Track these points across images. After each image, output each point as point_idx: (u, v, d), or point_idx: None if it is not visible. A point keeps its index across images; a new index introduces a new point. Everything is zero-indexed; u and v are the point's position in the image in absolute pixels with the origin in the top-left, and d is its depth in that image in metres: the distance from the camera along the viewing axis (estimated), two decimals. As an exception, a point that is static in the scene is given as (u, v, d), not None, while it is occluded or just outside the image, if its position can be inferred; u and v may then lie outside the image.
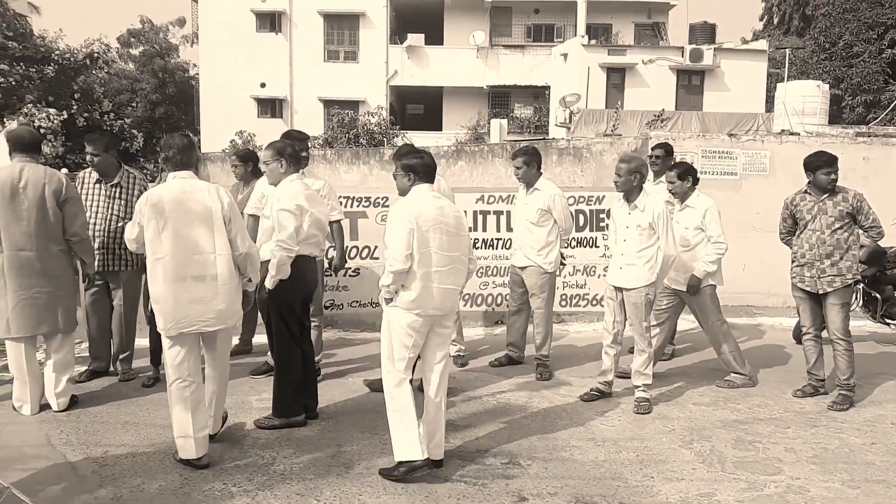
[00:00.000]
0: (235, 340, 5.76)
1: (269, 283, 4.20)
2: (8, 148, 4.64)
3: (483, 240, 7.07)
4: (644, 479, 3.79)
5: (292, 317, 4.42)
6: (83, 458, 3.92)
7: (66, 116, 12.13)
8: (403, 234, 3.65)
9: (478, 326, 7.18)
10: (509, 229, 6.94)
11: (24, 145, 4.57)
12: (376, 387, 4.50)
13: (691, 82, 24.29)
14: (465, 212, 6.40)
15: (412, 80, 28.77)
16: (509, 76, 28.58)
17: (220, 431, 4.19)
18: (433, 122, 29.76)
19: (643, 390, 4.86)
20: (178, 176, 3.92)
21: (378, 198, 6.88)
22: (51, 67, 13.10)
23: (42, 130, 12.12)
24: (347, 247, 6.81)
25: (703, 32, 26.49)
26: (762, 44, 24.50)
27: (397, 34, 29.12)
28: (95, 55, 13.41)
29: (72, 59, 13.35)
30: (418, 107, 31.72)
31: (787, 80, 20.44)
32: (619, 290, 4.90)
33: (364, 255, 6.90)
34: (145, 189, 5.13)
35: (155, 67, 32.05)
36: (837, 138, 9.32)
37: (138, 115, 28.38)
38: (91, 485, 3.58)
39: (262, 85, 28.63)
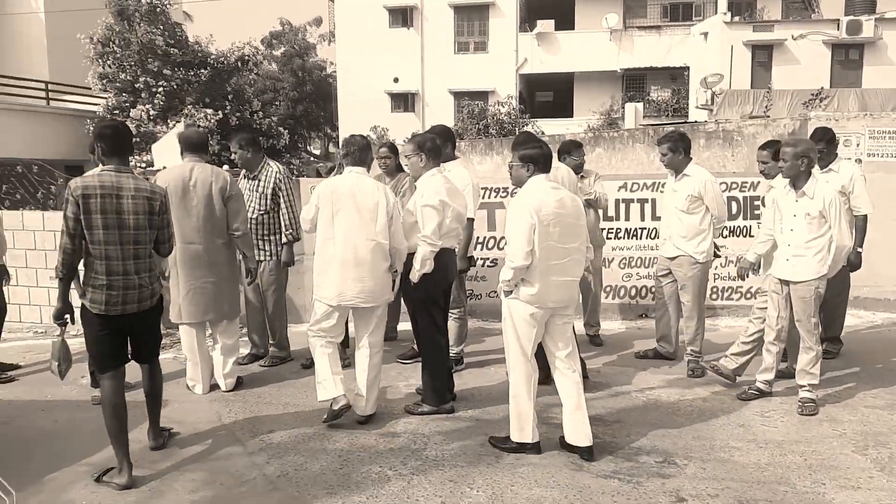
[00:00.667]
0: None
1: (414, 277, 4.29)
2: (179, 148, 5.04)
3: (626, 229, 6.86)
4: (814, 486, 3.52)
5: (436, 308, 4.51)
6: (251, 435, 4.18)
7: (220, 116, 12.98)
8: (524, 229, 3.63)
9: (618, 319, 6.99)
10: (654, 218, 6.69)
11: (193, 145, 4.93)
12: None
13: (848, 57, 22.30)
14: (608, 200, 6.20)
15: (542, 67, 28.40)
16: (644, 58, 27.53)
17: (374, 413, 4.41)
18: (563, 108, 29.28)
19: (808, 390, 4.52)
20: (355, 171, 4.36)
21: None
22: (206, 71, 14.06)
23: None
24: (484, 237, 6.86)
25: (863, 2, 24.20)
26: (934, 10, 21.99)
27: (527, 22, 28.83)
28: (246, 58, 14.28)
29: (225, 62, 14.27)
30: (548, 94, 31.32)
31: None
32: (784, 283, 4.57)
33: (502, 245, 6.89)
34: (280, 181, 5.44)
35: (294, 67, 33.66)
36: None
37: (281, 114, 29.99)
38: (259, 461, 3.82)
39: (395, 80, 29.26)
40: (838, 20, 22.04)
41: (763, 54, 22.81)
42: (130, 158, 10.39)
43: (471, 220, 5.00)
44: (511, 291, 3.76)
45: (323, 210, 4.24)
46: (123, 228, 3.56)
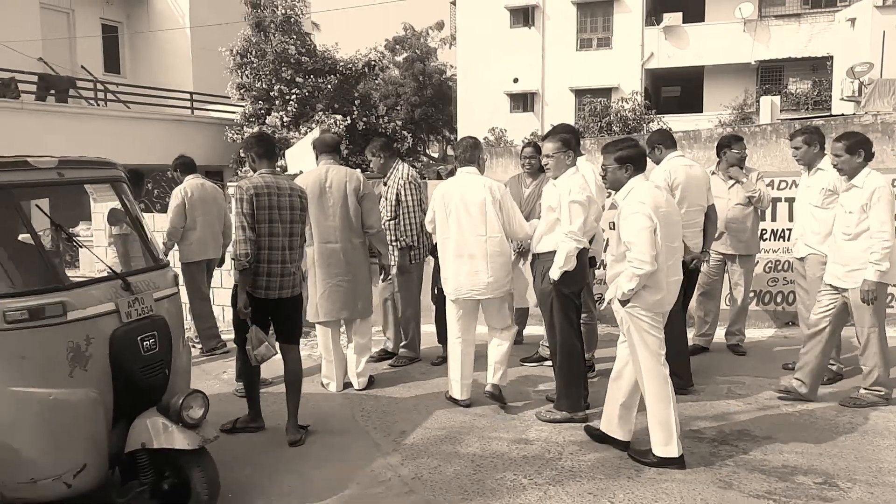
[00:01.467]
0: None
1: (554, 274, 4.15)
2: (315, 153, 5.19)
3: (772, 230, 6.40)
4: None
5: (573, 309, 4.37)
6: (384, 435, 4.22)
7: (348, 122, 13.37)
8: (648, 233, 3.55)
9: (766, 327, 6.53)
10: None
11: (328, 146, 5.09)
12: None
13: None
14: (770, 200, 5.83)
15: (669, 61, 27.34)
16: (782, 49, 25.85)
17: (502, 389, 4.62)
18: (692, 103, 28.03)
19: None
20: (464, 171, 4.61)
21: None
22: (335, 77, 14.56)
23: (330, 135, 13.55)
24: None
25: None
26: None
27: (653, 15, 27.85)
28: (372, 63, 14.67)
29: (353, 68, 14.72)
30: (674, 89, 30.13)
31: None
32: None
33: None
34: (401, 188, 5.41)
35: (416, 71, 34.26)
36: None
37: (402, 118, 30.65)
38: (394, 462, 3.84)
39: (515, 80, 29.15)
40: None
41: (921, 38, 20.72)
42: None
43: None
44: (628, 301, 3.64)
45: (438, 212, 4.60)
46: (283, 223, 4.12)
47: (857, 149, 4.38)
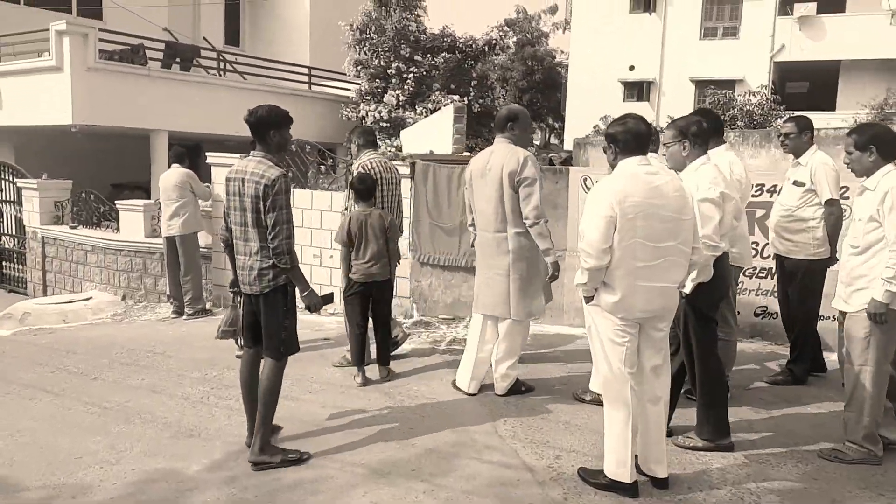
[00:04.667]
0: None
1: (686, 288, 3.52)
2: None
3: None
4: None
5: (713, 324, 3.80)
6: (536, 458, 3.70)
7: (465, 103, 12.91)
8: (601, 222, 3.10)
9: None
10: None
11: (503, 123, 4.57)
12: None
13: None
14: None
15: (802, 54, 25.44)
16: (933, 44, 23.51)
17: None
18: (823, 100, 26.01)
19: None
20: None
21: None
22: (455, 56, 14.09)
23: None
24: (757, 243, 5.82)
25: None
26: None
27: (787, 4, 25.91)
28: (493, 42, 14.11)
29: (472, 46, 14.22)
30: (802, 84, 28.08)
31: None
32: None
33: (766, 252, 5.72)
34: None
35: (525, 55, 33.42)
36: None
37: (510, 102, 29.96)
38: (555, 496, 3.31)
39: (631, 68, 27.97)
40: None
41: None
42: (381, 144, 10.46)
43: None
44: (592, 297, 3.24)
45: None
46: (235, 210, 3.65)
47: (869, 144, 3.59)
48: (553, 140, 35.95)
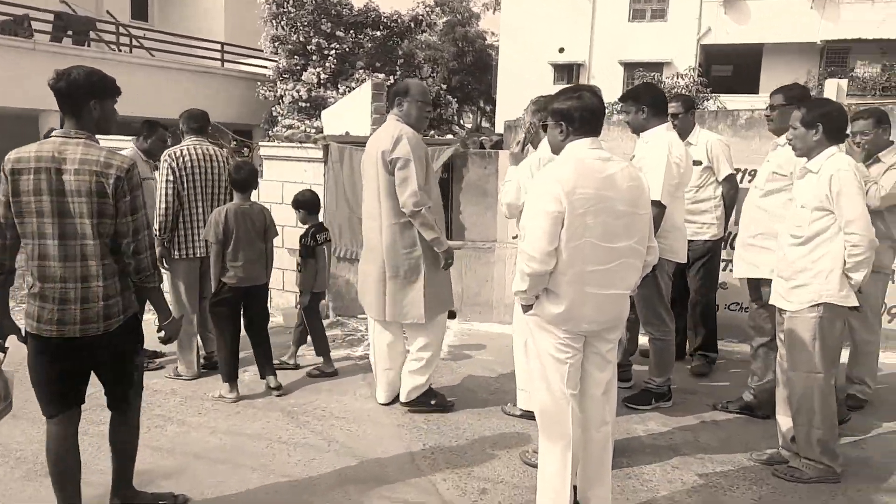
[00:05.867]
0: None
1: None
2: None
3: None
4: None
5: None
6: (458, 494, 3.11)
7: (391, 82, 12.23)
8: (546, 219, 2.53)
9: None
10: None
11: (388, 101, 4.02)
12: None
13: None
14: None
15: (727, 37, 25.75)
16: (851, 28, 24.12)
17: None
18: (746, 83, 26.44)
19: None
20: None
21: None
22: (379, 33, 13.37)
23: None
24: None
25: None
26: None
27: (713, -12, 26.15)
28: (420, 17, 13.43)
29: (399, 21, 13.52)
30: (727, 68, 28.51)
31: None
32: None
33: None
34: None
35: (456, 36, 32.81)
36: None
37: (438, 84, 29.34)
38: (479, 543, 2.73)
39: (561, 50, 27.83)
40: None
41: None
42: (300, 124, 9.50)
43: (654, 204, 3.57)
44: (531, 306, 2.68)
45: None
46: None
47: (816, 122, 3.14)
48: (485, 123, 35.59)
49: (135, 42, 15.11)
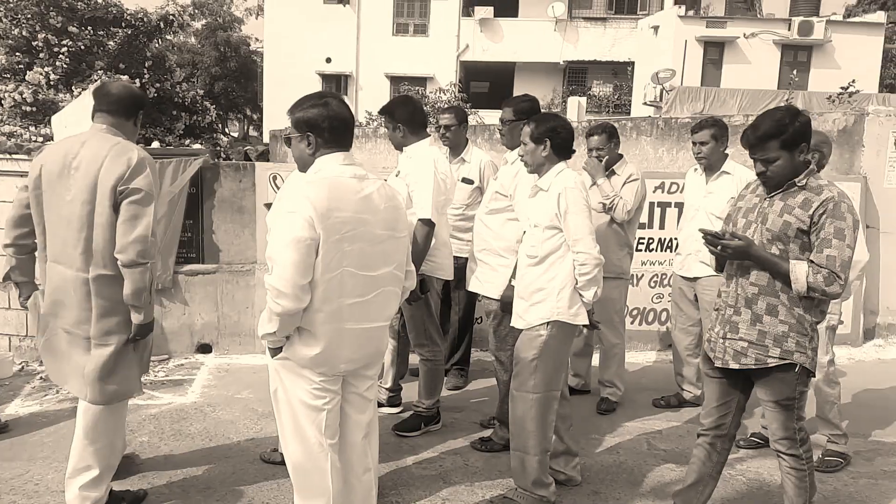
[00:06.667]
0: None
1: None
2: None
3: (659, 240, 5.65)
4: None
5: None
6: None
7: (138, 86, 11.04)
8: (297, 249, 2.19)
9: (648, 350, 5.78)
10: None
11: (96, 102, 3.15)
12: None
13: (797, 59, 22.08)
14: (630, 211, 4.28)
15: (484, 55, 27.37)
16: (588, 51, 26.87)
17: None
18: (501, 99, 27.99)
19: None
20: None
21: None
22: (122, 31, 12.06)
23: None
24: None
25: (807, 4, 24.18)
26: (879, 16, 22.01)
27: (470, 6, 27.61)
28: (170, 17, 12.31)
29: (145, 20, 12.29)
30: (484, 84, 30.30)
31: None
32: None
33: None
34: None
35: (218, 41, 31.21)
36: None
37: (199, 90, 27.59)
38: None
39: (328, 60, 27.61)
40: (790, 20, 21.76)
41: (715, 51, 22.36)
42: (24, 132, 8.03)
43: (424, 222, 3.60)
44: (280, 349, 2.36)
45: None
46: None
47: (544, 137, 3.09)
48: (252, 132, 34.24)
49: None
